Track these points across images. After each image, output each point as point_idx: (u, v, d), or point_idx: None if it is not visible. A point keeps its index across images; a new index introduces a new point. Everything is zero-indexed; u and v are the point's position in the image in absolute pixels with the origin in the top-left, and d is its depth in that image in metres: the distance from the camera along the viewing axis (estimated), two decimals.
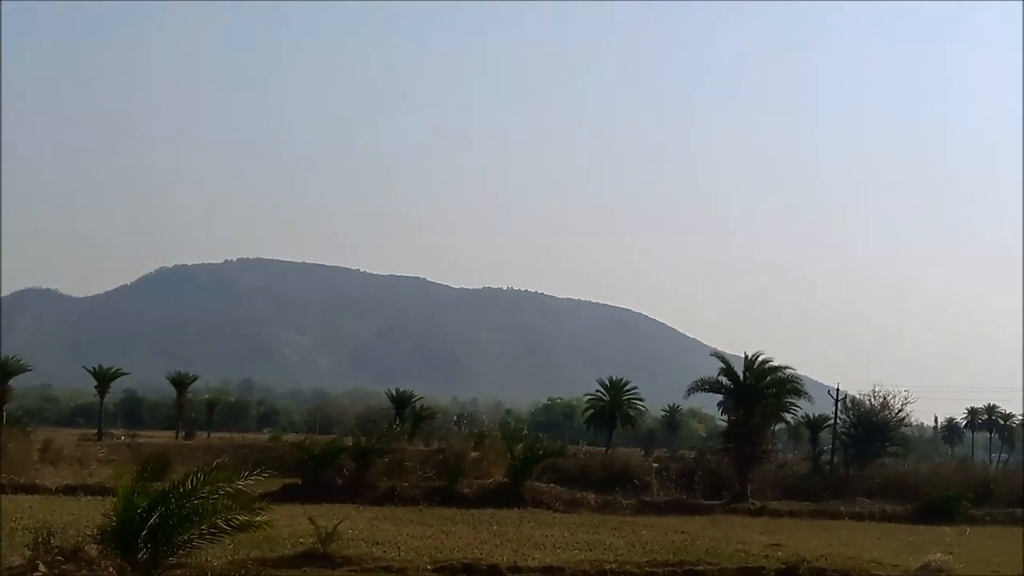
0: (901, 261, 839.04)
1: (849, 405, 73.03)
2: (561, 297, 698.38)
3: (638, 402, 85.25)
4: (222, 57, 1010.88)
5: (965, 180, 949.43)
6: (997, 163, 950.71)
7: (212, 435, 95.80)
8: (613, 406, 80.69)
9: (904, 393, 73.47)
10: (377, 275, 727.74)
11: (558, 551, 28.60)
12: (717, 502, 52.53)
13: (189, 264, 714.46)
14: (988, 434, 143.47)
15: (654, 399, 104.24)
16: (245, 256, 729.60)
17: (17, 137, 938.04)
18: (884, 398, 72.03)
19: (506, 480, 49.46)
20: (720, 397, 64.85)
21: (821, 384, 78.13)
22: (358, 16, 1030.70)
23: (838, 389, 74.42)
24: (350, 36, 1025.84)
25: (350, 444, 51.11)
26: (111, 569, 16.20)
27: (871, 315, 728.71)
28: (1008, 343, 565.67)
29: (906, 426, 78.74)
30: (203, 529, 17.46)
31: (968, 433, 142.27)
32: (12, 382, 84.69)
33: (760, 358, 58.99)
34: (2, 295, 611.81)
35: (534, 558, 26.61)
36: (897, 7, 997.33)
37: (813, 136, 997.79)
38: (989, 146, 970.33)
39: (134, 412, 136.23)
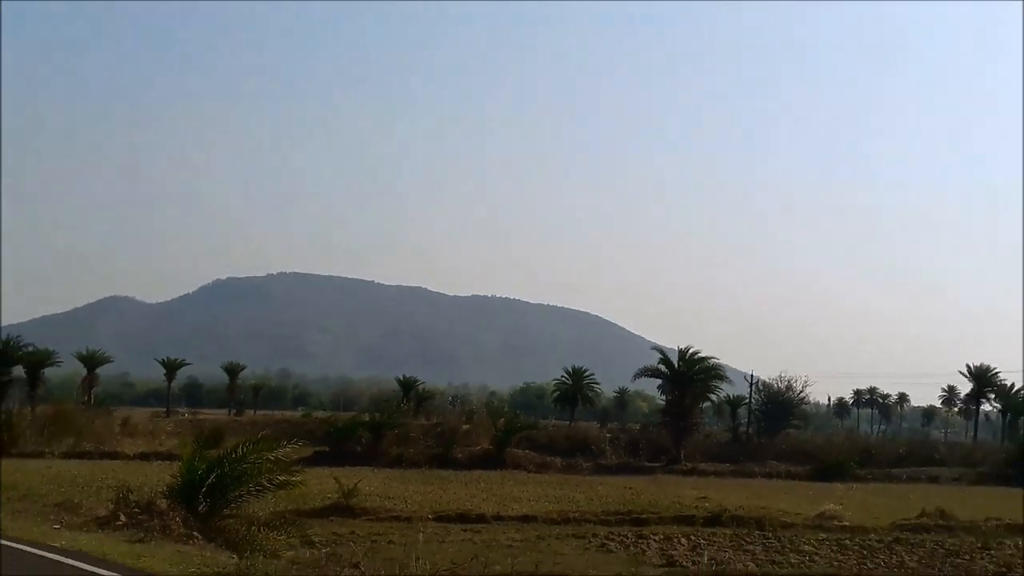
0: (809, 270, 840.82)
1: (761, 387, 73.26)
2: (534, 303, 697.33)
3: (595, 385, 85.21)
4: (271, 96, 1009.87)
5: (856, 186, 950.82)
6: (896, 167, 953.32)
7: (257, 413, 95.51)
8: (575, 389, 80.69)
9: (804, 378, 73.90)
10: (386, 285, 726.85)
11: (532, 503, 28.62)
12: (657, 464, 52.64)
13: (238, 277, 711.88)
14: (870, 410, 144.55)
15: (607, 383, 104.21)
16: (283, 271, 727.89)
17: (102, 172, 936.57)
18: (788, 382, 72.32)
19: (491, 448, 49.46)
20: (659, 381, 65.07)
21: (739, 371, 78.21)
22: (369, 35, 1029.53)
23: (752, 375, 74.73)
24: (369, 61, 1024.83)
25: (367, 420, 51.04)
26: (177, 519, 16.13)
27: (781, 314, 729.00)
28: (886, 336, 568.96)
29: (805, 404, 79.00)
30: (250, 487, 17.46)
31: (854, 409, 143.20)
32: (98, 371, 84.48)
33: (691, 350, 59.35)
34: (89, 302, 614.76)
35: (513, 509, 26.63)
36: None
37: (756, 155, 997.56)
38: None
39: (195, 395, 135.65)
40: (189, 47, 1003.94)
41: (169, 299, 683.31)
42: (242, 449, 17.88)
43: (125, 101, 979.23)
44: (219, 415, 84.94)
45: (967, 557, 20.99)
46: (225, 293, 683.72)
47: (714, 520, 25.60)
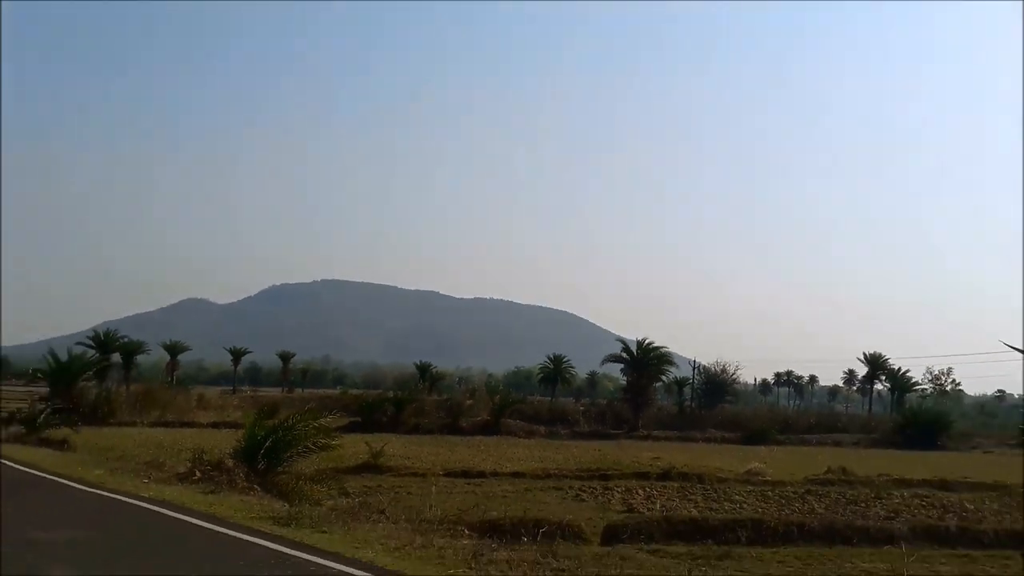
0: (743, 282, 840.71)
1: (701, 371, 73.29)
2: (523, 303, 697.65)
3: (571, 369, 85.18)
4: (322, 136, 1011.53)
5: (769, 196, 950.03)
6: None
7: (304, 391, 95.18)
8: (555, 372, 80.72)
9: (736, 363, 74.08)
10: (406, 289, 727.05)
11: (521, 462, 28.57)
12: (620, 432, 52.64)
13: (290, 283, 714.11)
14: (787, 388, 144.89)
15: (581, 367, 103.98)
16: (325, 278, 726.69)
17: (182, 198, 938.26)
18: (723, 366, 72.37)
19: (489, 418, 49.39)
20: (622, 366, 65.05)
21: (684, 357, 78.29)
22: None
23: (695, 360, 74.80)
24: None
25: (391, 396, 50.95)
26: (241, 475, 16.09)
27: (718, 313, 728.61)
28: (800, 330, 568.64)
29: (736, 384, 79.07)
30: (299, 449, 17.40)
31: (775, 388, 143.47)
32: (179, 358, 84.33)
33: (646, 341, 59.52)
34: (172, 303, 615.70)
35: (506, 467, 26.58)
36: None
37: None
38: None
39: (255, 377, 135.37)
40: (255, 86, 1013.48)
41: (235, 300, 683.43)
42: (292, 419, 17.86)
43: (205, 142, 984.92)
44: (274, 392, 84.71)
45: (863, 505, 21.02)
46: (280, 296, 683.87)
47: (664, 475, 25.58)
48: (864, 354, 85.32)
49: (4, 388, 55.91)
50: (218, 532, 10.80)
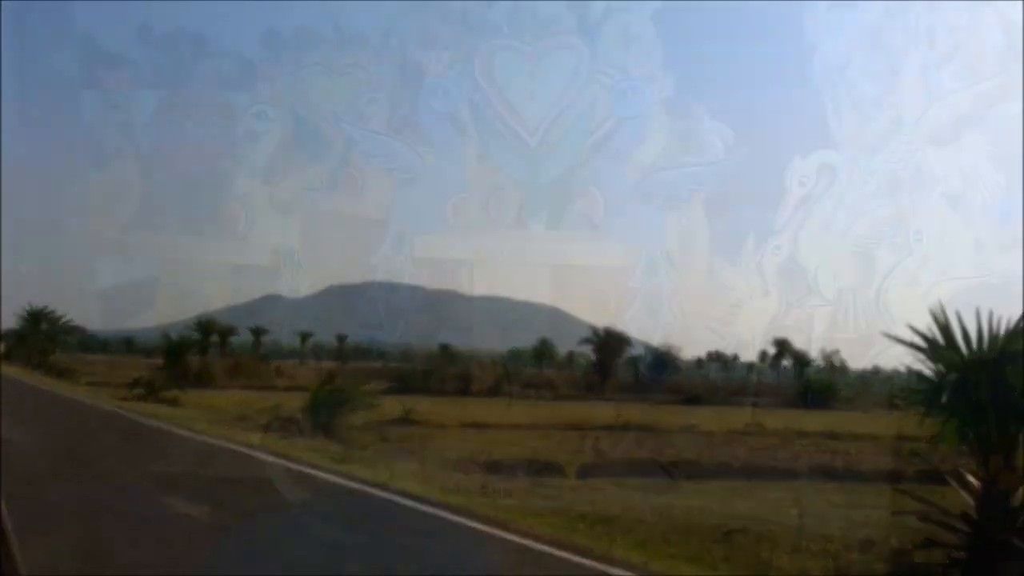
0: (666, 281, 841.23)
1: (651, 350, 73.31)
2: (520, 300, 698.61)
3: (555, 348, 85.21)
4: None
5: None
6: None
7: (355, 364, 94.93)
8: (543, 351, 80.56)
9: (679, 345, 74.06)
10: (433, 288, 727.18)
11: (517, 417, 28.36)
12: (591, 395, 52.37)
13: (345, 283, 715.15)
14: (716, 364, 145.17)
15: (562, 347, 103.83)
16: (372, 279, 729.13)
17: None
18: (669, 347, 72.15)
19: (493, 385, 49.30)
20: (592, 346, 64.98)
21: (639, 340, 78.19)
22: None
23: (646, 344, 74.85)
24: None
25: (420, 368, 50.71)
26: (308, 425, 16.13)
27: (662, 306, 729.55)
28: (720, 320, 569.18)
29: (678, 360, 78.84)
30: (351, 406, 17.49)
31: (707, 363, 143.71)
32: (262, 338, 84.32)
33: (610, 327, 59.58)
34: (256, 297, 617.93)
35: (506, 420, 26.46)
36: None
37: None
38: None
39: (319, 353, 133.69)
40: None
41: (304, 296, 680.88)
42: (346, 385, 17.95)
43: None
44: (333, 365, 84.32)
45: (773, 450, 20.94)
46: (337, 292, 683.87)
47: (624, 427, 25.32)
48: (774, 338, 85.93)
49: (131, 360, 55.79)
50: (291, 467, 10.82)
